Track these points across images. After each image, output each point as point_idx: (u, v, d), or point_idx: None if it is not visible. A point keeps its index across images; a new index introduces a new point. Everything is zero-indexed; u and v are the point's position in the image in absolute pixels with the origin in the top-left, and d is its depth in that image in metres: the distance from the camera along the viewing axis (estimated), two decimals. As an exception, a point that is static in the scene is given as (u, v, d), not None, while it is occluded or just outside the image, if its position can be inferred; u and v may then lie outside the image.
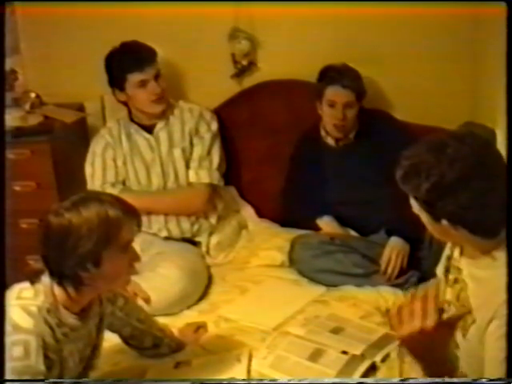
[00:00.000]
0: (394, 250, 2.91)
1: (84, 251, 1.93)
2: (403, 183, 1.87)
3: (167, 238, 3.16)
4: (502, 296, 1.80)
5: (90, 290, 2.03)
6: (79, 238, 1.92)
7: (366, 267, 2.92)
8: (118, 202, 2.02)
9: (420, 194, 1.84)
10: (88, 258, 1.94)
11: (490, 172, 1.81)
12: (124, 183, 3.16)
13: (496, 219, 1.84)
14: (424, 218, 1.91)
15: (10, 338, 1.88)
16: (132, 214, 2.02)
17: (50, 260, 1.97)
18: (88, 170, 3.16)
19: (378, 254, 2.93)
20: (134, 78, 3.03)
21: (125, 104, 3.16)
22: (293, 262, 3.04)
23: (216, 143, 3.21)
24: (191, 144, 3.17)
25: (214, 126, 3.23)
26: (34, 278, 2.00)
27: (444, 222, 1.85)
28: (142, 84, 3.04)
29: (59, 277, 1.97)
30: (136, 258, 2.07)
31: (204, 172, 3.16)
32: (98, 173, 3.14)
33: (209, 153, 3.18)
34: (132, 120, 3.18)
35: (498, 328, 1.82)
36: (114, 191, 3.00)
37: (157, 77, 3.07)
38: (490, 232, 1.86)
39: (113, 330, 2.32)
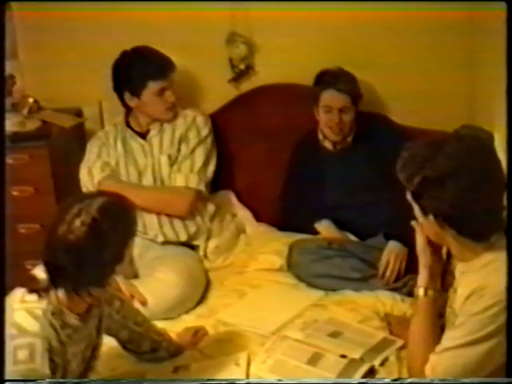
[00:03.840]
0: (392, 253, 2.91)
1: (112, 251, 1.92)
2: (400, 172, 1.92)
3: (164, 243, 3.15)
4: (492, 298, 1.81)
5: (103, 289, 2.03)
6: (106, 239, 1.91)
7: (363, 271, 2.91)
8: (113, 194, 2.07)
9: (412, 185, 1.88)
10: (116, 258, 1.95)
11: (484, 174, 1.82)
12: None
13: (485, 222, 1.85)
14: (417, 212, 1.94)
15: (15, 342, 1.88)
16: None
17: (71, 275, 1.92)
18: (83, 170, 3.15)
19: (376, 258, 2.92)
20: (155, 86, 3.04)
21: (127, 108, 3.16)
22: (291, 266, 3.03)
23: (201, 147, 3.17)
24: (179, 150, 3.17)
25: (204, 131, 3.20)
26: (40, 291, 1.97)
27: (430, 217, 1.88)
28: (161, 92, 3.05)
29: (76, 287, 1.96)
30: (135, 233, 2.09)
31: (181, 175, 3.12)
32: (91, 161, 3.14)
33: (191, 156, 3.14)
34: (128, 125, 3.18)
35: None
36: (103, 174, 3.06)
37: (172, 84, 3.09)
38: (479, 235, 1.87)
39: (110, 334, 2.31)
